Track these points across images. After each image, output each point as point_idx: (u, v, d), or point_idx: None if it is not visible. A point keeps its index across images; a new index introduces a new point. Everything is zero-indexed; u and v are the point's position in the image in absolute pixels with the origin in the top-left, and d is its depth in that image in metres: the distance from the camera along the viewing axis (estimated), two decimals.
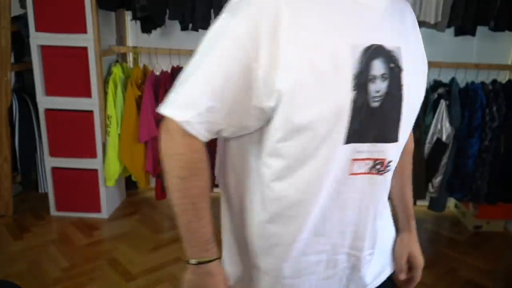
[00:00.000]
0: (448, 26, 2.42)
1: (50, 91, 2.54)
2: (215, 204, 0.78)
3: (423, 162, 2.57)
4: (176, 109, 0.69)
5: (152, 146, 2.64)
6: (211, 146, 2.70)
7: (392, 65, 0.70)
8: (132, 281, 2.11)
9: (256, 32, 0.64)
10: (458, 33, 2.58)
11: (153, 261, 2.30)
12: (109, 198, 2.77)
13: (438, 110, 2.52)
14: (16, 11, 2.65)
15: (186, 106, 0.68)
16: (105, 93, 2.58)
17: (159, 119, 3.01)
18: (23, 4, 2.63)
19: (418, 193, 2.56)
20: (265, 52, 0.64)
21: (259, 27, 0.64)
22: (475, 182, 2.60)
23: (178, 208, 0.73)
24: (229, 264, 0.88)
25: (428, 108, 2.53)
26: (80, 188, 2.69)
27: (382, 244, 0.89)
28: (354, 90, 0.66)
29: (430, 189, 2.65)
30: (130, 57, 2.98)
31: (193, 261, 0.75)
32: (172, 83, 0.70)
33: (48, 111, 2.56)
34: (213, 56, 0.67)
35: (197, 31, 2.55)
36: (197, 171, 0.72)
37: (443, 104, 2.51)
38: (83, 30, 2.41)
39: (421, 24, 2.37)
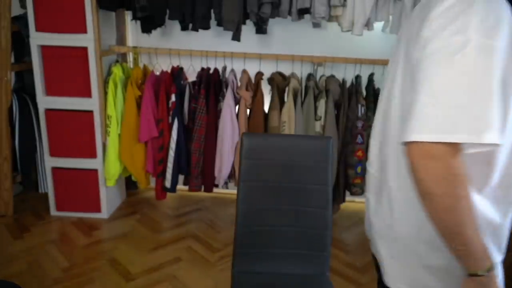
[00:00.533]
0: None
1: (50, 91, 2.55)
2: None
3: None
4: (491, 134, 0.70)
5: (152, 146, 2.64)
6: (210, 148, 2.68)
7: None
8: (132, 281, 2.12)
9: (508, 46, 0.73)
10: None
11: (153, 261, 2.30)
12: (109, 198, 2.77)
13: None
14: (16, 11, 2.65)
15: (493, 129, 0.70)
16: (105, 93, 2.58)
17: (159, 119, 2.98)
18: (23, 4, 2.63)
19: None
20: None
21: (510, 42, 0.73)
22: None
23: (461, 228, 0.74)
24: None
25: None
26: (80, 188, 2.69)
27: None
28: None
29: None
30: (130, 57, 2.98)
31: (482, 272, 0.77)
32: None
33: (48, 111, 2.56)
34: (491, 79, 0.71)
35: (197, 31, 2.55)
36: (468, 185, 0.74)
37: None
38: (83, 30, 2.41)
39: None
